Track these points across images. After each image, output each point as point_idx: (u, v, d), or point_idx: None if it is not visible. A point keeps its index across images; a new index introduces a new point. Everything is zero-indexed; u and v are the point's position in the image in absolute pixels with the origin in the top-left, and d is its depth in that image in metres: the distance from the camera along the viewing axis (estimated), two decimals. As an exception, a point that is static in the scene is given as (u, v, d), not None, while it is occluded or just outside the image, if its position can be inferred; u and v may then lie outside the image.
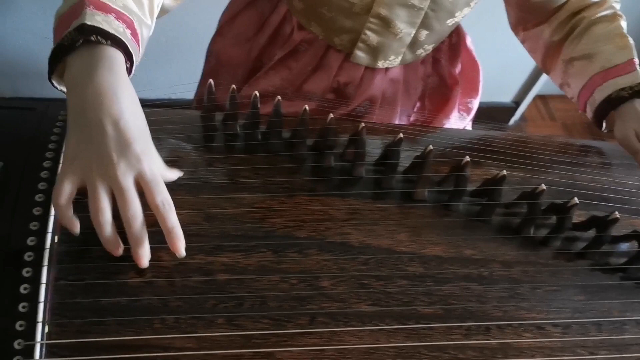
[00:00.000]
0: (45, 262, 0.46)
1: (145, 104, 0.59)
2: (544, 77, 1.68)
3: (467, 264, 0.55)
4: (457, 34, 0.84)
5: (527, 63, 1.64)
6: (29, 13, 1.29)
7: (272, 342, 0.47)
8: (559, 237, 0.58)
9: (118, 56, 0.48)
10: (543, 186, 0.56)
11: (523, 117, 1.89)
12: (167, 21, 1.35)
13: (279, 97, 0.58)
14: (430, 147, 0.57)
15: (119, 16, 0.50)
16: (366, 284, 0.51)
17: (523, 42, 0.82)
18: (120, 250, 0.47)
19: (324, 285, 0.51)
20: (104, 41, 0.47)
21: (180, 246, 0.47)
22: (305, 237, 0.53)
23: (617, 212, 0.56)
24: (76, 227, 0.46)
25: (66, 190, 0.45)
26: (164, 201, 0.46)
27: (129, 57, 0.50)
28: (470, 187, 0.59)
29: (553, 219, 0.58)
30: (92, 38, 0.47)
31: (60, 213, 0.46)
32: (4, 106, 0.58)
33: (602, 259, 0.58)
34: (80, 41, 0.47)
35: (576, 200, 0.55)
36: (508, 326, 0.51)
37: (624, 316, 0.54)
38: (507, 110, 1.85)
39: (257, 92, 0.58)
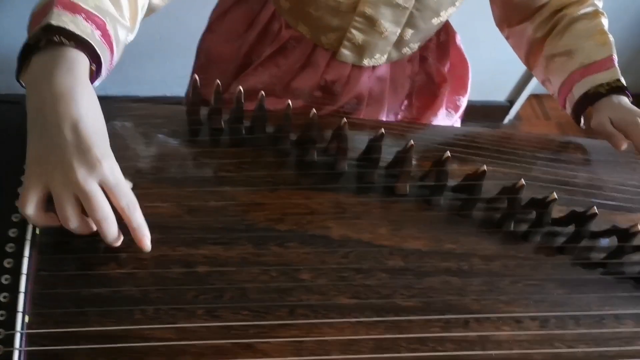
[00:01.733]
0: (27, 254, 0.46)
1: (139, 100, 0.60)
2: (538, 76, 1.69)
3: (448, 257, 0.55)
4: (445, 32, 0.84)
5: (520, 62, 1.65)
6: (25, 10, 1.30)
7: (251, 334, 0.48)
8: (539, 231, 0.58)
9: (80, 58, 0.47)
10: (522, 181, 0.57)
11: (518, 116, 1.90)
12: (162, 18, 1.36)
13: (262, 92, 0.58)
14: (411, 142, 0.57)
15: (89, 17, 0.50)
16: (346, 277, 0.52)
17: (507, 38, 0.83)
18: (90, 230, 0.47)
19: (304, 278, 0.51)
20: (66, 42, 0.47)
21: (146, 242, 0.48)
22: (287, 230, 0.54)
23: (595, 207, 0.56)
24: (55, 222, 0.46)
25: (32, 199, 0.44)
26: (129, 203, 0.46)
27: (95, 59, 0.49)
28: (453, 182, 0.60)
29: (533, 214, 0.59)
30: (55, 38, 0.46)
31: (32, 221, 0.46)
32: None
33: (583, 254, 0.58)
34: (44, 41, 0.46)
35: (555, 195, 0.56)
36: (487, 319, 0.52)
37: (602, 310, 0.55)
38: (501, 109, 1.86)
39: (241, 88, 0.59)
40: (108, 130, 0.48)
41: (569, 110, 0.72)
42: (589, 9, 0.72)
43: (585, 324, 0.54)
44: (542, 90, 1.89)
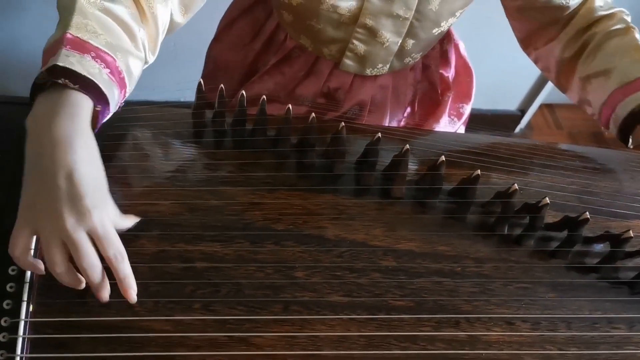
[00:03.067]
0: (33, 246, 0.49)
1: (152, 104, 0.61)
2: (550, 85, 1.69)
3: (440, 259, 0.56)
4: (448, 40, 0.86)
5: (532, 71, 1.65)
6: (43, 18, 1.34)
7: (246, 328, 0.49)
8: (533, 236, 0.59)
9: (84, 102, 0.47)
10: (515, 186, 0.58)
11: (529, 126, 1.90)
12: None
13: (263, 96, 0.60)
14: (407, 146, 0.59)
15: (98, 55, 0.50)
16: (339, 276, 0.53)
17: (536, 62, 0.81)
18: (82, 286, 0.47)
19: (299, 276, 0.53)
20: (71, 85, 0.47)
21: (131, 294, 0.48)
22: (283, 229, 0.55)
23: (587, 213, 0.57)
24: (40, 268, 0.47)
25: (21, 242, 0.45)
26: (116, 253, 0.46)
27: (101, 98, 0.49)
28: (448, 186, 0.61)
29: (527, 219, 0.60)
30: (60, 81, 0.46)
31: (20, 263, 0.46)
32: (12, 102, 0.60)
33: (576, 259, 0.59)
34: (49, 83, 0.47)
35: (547, 200, 0.57)
36: (477, 320, 0.53)
37: (594, 314, 0.56)
38: (512, 118, 1.86)
39: (243, 92, 0.61)
40: (114, 132, 0.50)
41: (613, 131, 0.70)
42: (619, 26, 0.70)
43: (576, 327, 0.54)
44: (553, 99, 1.90)
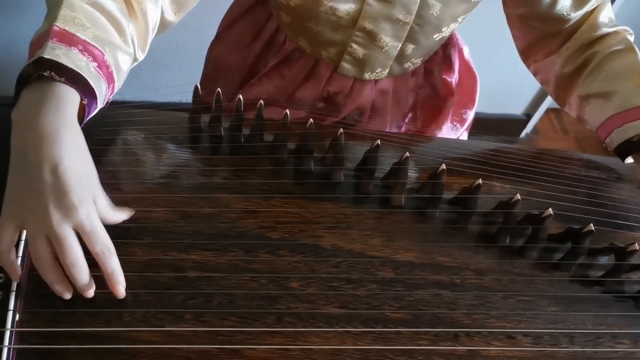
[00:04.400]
0: (20, 253, 0.48)
1: (154, 106, 0.60)
2: (556, 91, 1.67)
3: (440, 270, 0.55)
4: (452, 45, 0.84)
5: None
6: (41, 17, 1.34)
7: (238, 339, 0.48)
8: (536, 247, 0.58)
9: (70, 95, 0.46)
10: (518, 196, 0.56)
11: (535, 130, 1.88)
12: (177, 27, 1.37)
13: (261, 101, 0.59)
14: (407, 154, 0.57)
15: (86, 48, 0.49)
16: (335, 287, 0.52)
17: (535, 74, 0.80)
18: (68, 295, 0.46)
19: (293, 286, 0.51)
20: (57, 77, 0.46)
21: (120, 289, 0.47)
22: (278, 238, 0.54)
23: (592, 225, 0.55)
24: (16, 273, 0.46)
25: (6, 237, 0.45)
26: (104, 249, 0.46)
27: (88, 91, 0.48)
28: (449, 195, 0.60)
29: (530, 230, 0.58)
30: (46, 73, 0.45)
31: (2, 259, 0.45)
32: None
33: (580, 272, 0.58)
34: (34, 75, 0.46)
35: (550, 211, 0.56)
36: (477, 334, 0.52)
37: (598, 329, 0.54)
38: (518, 123, 1.84)
39: (241, 96, 0.59)
40: (109, 136, 0.49)
41: (610, 149, 0.69)
42: (622, 46, 0.69)
43: (579, 342, 0.53)
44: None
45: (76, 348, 0.46)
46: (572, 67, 0.72)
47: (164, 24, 0.62)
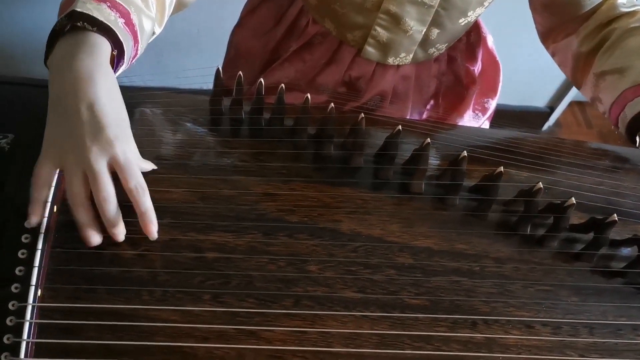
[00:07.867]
0: (43, 230, 0.48)
1: (173, 90, 0.61)
2: (580, 83, 1.64)
3: (458, 258, 0.55)
4: (476, 33, 0.83)
5: (562, 68, 1.60)
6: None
7: (255, 321, 0.48)
8: (557, 237, 0.57)
9: (102, 43, 0.49)
10: (540, 184, 0.55)
11: (557, 123, 1.85)
12: (199, 12, 1.38)
13: (282, 85, 0.59)
14: (428, 140, 0.57)
15: (114, 5, 0.51)
16: (353, 271, 0.52)
17: (553, 55, 0.80)
18: (94, 238, 0.48)
19: (311, 270, 0.51)
20: (90, 27, 0.48)
21: (152, 229, 0.49)
22: (297, 221, 0.54)
23: (615, 215, 0.54)
24: (39, 212, 0.48)
25: (43, 173, 0.47)
26: (137, 185, 0.47)
27: (117, 45, 0.50)
28: (469, 183, 0.59)
29: (551, 219, 0.57)
30: (79, 24, 0.48)
31: (34, 195, 0.47)
32: (20, 83, 0.61)
33: (601, 262, 0.57)
34: (68, 27, 0.48)
35: (573, 200, 0.55)
36: (495, 322, 0.51)
37: (619, 320, 0.53)
38: (541, 115, 1.81)
39: (262, 80, 0.59)
40: (130, 116, 0.50)
41: (622, 129, 0.69)
42: (639, 23, 0.68)
43: (599, 333, 0.52)
44: (584, 97, 1.85)
45: (95, 324, 0.46)
46: (589, 45, 0.72)
47: (180, 2, 0.62)
